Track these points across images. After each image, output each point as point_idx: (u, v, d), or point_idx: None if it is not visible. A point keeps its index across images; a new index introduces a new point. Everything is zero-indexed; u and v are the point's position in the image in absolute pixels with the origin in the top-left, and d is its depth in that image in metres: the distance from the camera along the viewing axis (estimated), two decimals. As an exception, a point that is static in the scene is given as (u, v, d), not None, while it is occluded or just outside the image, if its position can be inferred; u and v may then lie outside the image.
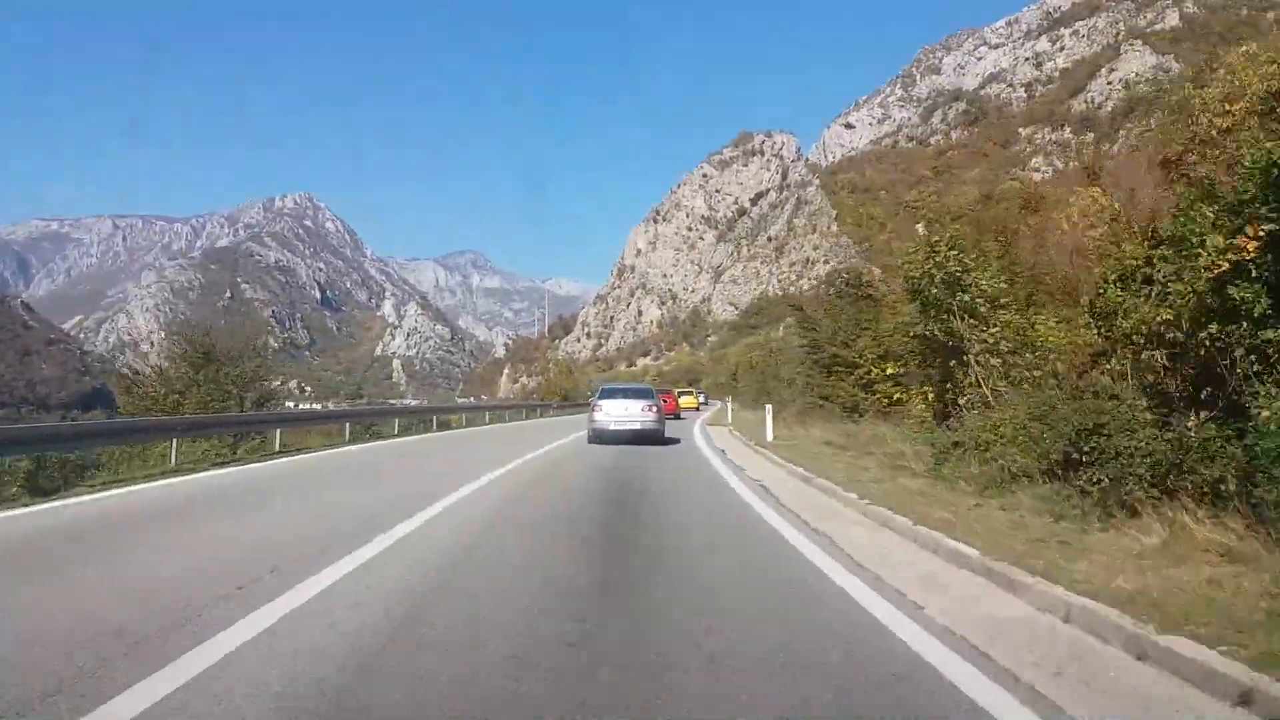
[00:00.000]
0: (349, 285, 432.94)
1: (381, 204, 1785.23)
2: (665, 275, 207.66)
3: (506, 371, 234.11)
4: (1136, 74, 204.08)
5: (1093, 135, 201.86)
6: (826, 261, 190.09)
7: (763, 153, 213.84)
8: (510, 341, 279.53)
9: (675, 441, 21.69)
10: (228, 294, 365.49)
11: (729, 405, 40.33)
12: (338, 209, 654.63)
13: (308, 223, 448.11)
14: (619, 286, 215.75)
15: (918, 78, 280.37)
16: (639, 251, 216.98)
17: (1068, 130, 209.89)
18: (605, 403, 21.92)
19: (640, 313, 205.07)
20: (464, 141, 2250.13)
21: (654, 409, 21.86)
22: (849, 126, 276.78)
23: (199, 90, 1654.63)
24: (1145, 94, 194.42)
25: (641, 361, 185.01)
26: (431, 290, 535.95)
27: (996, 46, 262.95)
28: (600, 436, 21.06)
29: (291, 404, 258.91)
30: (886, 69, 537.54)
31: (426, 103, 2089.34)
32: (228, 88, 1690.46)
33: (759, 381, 50.25)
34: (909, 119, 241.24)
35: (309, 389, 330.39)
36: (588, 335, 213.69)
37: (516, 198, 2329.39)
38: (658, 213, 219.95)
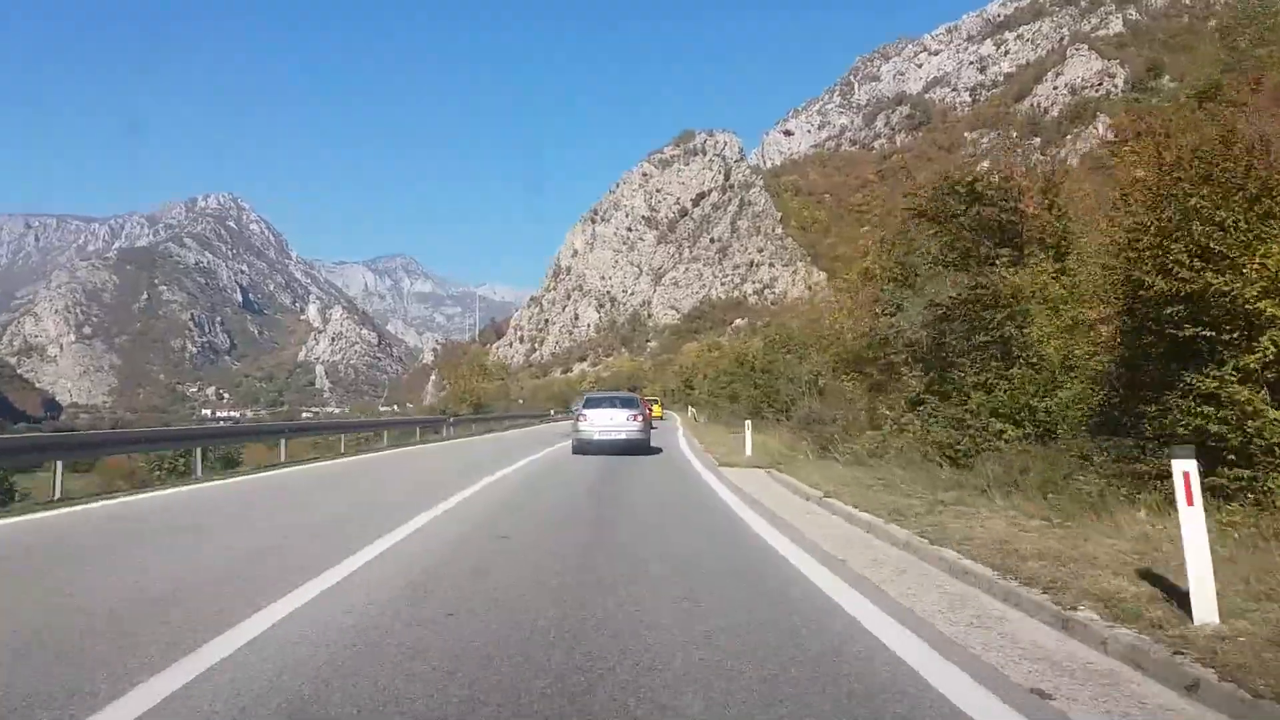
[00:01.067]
0: (272, 288, 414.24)
1: (309, 206, 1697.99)
2: (604, 277, 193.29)
3: (433, 378, 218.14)
4: (1082, 79, 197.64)
5: (1039, 140, 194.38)
6: (771, 265, 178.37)
7: (705, 152, 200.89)
8: (439, 346, 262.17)
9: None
10: (145, 296, 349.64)
11: (747, 428, 24.92)
12: (263, 210, 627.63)
13: (231, 223, 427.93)
14: (554, 288, 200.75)
15: (856, 86, 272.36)
16: (576, 252, 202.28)
17: (1015, 135, 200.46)
18: (590, 412, 21.05)
19: (577, 316, 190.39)
20: (396, 142, 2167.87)
21: (639, 418, 20.87)
22: (788, 133, 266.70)
23: (120, 86, 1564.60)
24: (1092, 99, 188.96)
25: (578, 367, 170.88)
26: (360, 294, 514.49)
27: (936, 53, 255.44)
28: (585, 447, 20.20)
29: (208, 412, 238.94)
30: (823, 78, 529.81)
31: (354, 103, 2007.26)
32: (150, 84, 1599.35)
33: (761, 388, 35.22)
34: (852, 122, 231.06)
35: (227, 395, 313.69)
36: (521, 340, 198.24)
37: (450, 199, 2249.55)
38: (596, 212, 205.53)
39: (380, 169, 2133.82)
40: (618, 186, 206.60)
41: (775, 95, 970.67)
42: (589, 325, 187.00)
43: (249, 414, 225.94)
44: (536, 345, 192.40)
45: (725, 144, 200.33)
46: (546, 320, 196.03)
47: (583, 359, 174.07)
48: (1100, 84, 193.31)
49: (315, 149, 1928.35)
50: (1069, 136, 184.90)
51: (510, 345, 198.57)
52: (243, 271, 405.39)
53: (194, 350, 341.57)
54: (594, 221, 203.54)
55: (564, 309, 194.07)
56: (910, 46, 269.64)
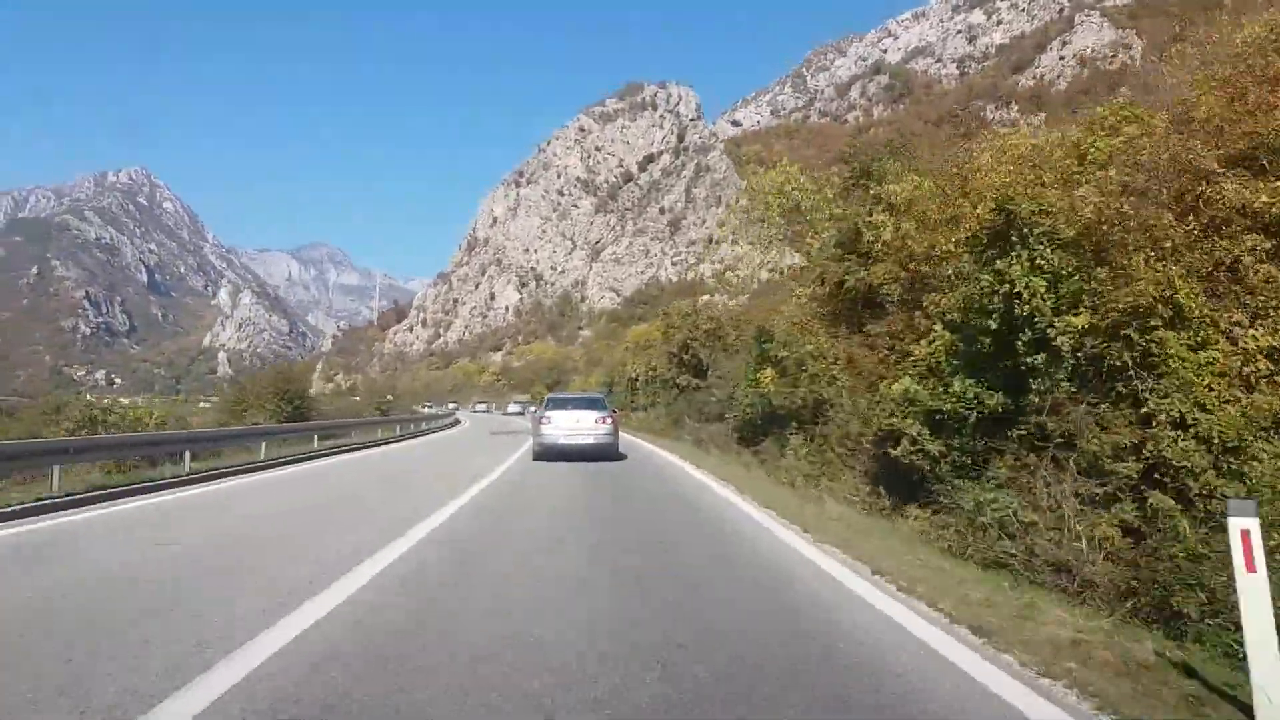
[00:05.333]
0: (183, 270, 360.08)
1: (235, 190, 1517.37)
2: (528, 250, 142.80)
3: (320, 368, 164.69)
4: (1093, 49, 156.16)
5: (1043, 115, 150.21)
6: (735, 241, 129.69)
7: (654, 107, 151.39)
8: (339, 333, 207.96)
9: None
10: (35, 270, 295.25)
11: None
12: (184, 192, 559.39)
13: (141, 200, 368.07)
14: (467, 263, 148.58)
15: (809, 77, 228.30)
16: (495, 220, 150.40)
17: (1015, 108, 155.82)
18: (554, 414, 17.66)
19: (493, 296, 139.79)
20: (329, 126, 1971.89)
21: (608, 420, 17.61)
22: (735, 124, 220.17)
23: (36, 53, 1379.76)
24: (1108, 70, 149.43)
25: (494, 358, 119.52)
26: (284, 284, 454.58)
27: (897, 37, 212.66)
28: (548, 452, 17.09)
29: (92, 398, 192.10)
30: (772, 70, 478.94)
31: (285, 87, 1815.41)
32: (68, 54, 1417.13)
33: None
34: (822, 92, 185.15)
35: (120, 381, 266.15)
36: (424, 323, 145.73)
37: (383, 190, 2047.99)
38: (521, 174, 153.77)
39: (312, 154, 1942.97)
40: (549, 144, 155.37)
41: (722, 81, 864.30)
42: (507, 307, 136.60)
43: (139, 401, 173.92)
44: (442, 330, 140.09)
45: (680, 99, 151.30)
46: (455, 300, 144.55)
47: (497, 348, 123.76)
48: (1114, 56, 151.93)
49: (241, 130, 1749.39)
50: (1078, 111, 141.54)
51: (411, 330, 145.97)
52: (151, 251, 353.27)
53: (87, 331, 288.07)
54: (519, 185, 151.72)
55: (477, 287, 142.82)
56: (874, 32, 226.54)
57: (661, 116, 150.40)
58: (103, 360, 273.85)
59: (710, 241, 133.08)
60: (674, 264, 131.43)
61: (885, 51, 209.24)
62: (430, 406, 66.39)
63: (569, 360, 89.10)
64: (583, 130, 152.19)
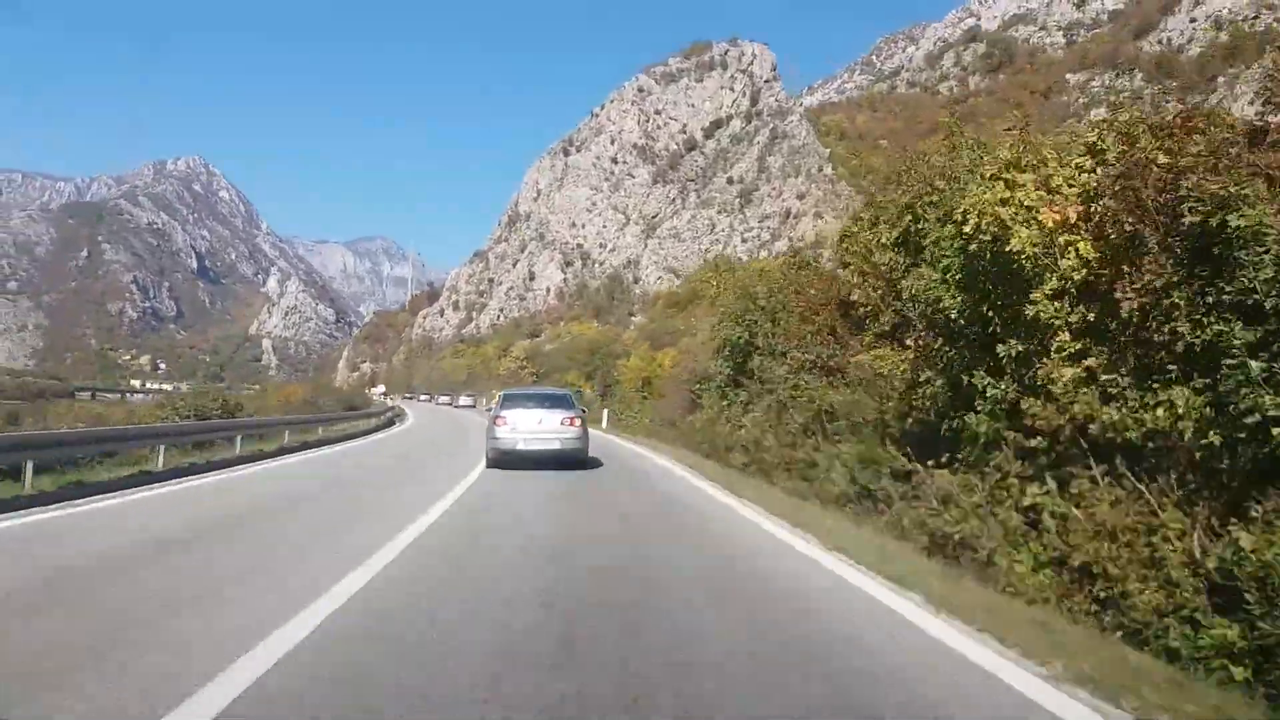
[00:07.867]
0: (234, 257, 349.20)
1: (294, 182, 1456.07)
2: (575, 224, 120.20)
3: (346, 354, 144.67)
4: (1230, 10, 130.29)
5: (1175, 83, 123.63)
6: (819, 215, 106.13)
7: (725, 66, 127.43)
8: (373, 316, 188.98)
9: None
10: (85, 253, 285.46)
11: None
12: (243, 183, 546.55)
13: (197, 187, 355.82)
14: (506, 239, 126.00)
15: (877, 64, 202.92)
16: (539, 193, 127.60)
17: (1139, 76, 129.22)
18: (511, 413, 14.08)
19: (532, 275, 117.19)
20: (386, 118, 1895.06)
21: (576, 421, 14.16)
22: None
23: (112, 45, 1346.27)
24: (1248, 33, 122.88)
25: (526, 345, 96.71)
26: (338, 275, 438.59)
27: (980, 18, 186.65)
28: (505, 458, 13.70)
29: (136, 382, 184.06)
30: (838, 60, 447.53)
31: (346, 80, 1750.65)
32: (145, 45, 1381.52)
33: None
34: (910, 61, 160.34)
35: (164, 366, 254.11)
36: (455, 307, 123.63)
37: (433, 182, 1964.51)
38: (571, 141, 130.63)
39: (370, 146, 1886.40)
40: (603, 108, 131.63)
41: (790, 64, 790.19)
42: (549, 289, 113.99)
43: (182, 387, 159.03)
44: (475, 313, 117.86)
45: (754, 57, 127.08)
46: (491, 280, 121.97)
47: (535, 334, 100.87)
48: (1256, 17, 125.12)
49: (302, 122, 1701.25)
50: (1221, 79, 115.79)
51: (441, 314, 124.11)
52: (203, 237, 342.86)
53: (134, 315, 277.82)
54: (567, 153, 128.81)
55: (515, 265, 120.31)
56: (955, 13, 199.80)
57: (732, 77, 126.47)
58: (148, 345, 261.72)
59: (788, 216, 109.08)
60: (744, 240, 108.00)
61: (966, 29, 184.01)
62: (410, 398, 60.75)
63: (616, 343, 66.07)
64: (641, 91, 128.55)
